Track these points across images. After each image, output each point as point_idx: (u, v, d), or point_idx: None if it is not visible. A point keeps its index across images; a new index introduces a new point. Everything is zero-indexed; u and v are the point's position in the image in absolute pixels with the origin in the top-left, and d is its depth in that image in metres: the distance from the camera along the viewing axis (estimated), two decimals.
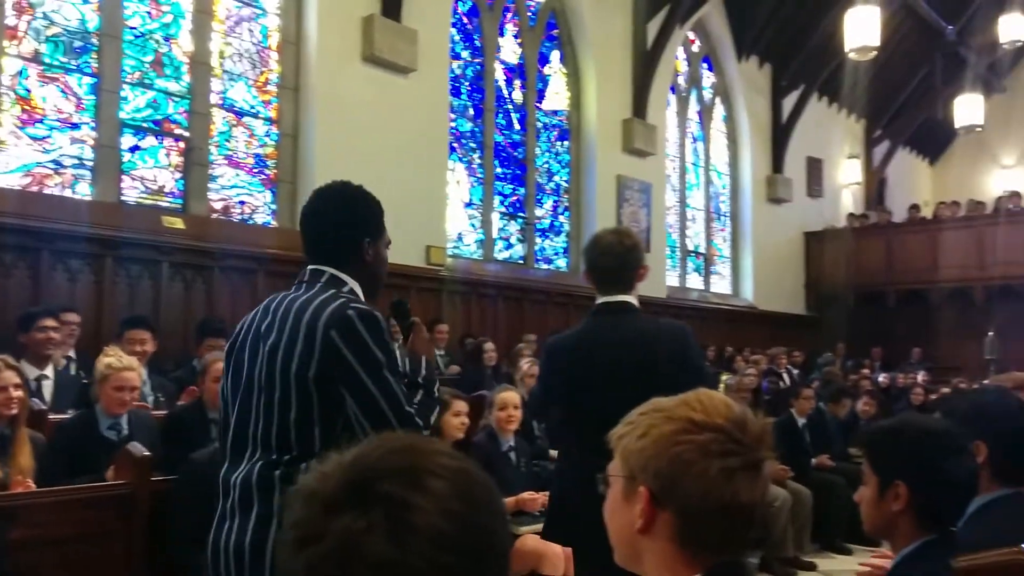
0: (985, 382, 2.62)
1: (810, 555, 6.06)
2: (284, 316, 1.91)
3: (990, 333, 11.83)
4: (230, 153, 7.04)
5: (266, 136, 7.29)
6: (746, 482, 1.06)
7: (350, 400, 1.83)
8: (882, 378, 10.66)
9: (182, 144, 6.70)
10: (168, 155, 6.63)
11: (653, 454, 1.09)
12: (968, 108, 12.77)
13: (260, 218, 7.21)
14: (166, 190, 6.61)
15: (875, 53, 9.82)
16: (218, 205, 6.93)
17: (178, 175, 6.68)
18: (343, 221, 2.01)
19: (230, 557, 1.85)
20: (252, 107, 7.22)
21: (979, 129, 13.17)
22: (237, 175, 7.08)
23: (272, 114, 7.33)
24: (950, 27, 13.65)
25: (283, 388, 1.84)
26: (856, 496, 1.85)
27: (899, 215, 14.37)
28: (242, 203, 7.10)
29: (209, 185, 6.86)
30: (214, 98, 6.93)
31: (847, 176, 15.09)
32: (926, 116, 14.90)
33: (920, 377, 10.72)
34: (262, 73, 7.30)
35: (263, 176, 7.25)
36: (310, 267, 2.03)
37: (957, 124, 13.02)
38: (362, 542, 0.64)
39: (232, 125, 7.08)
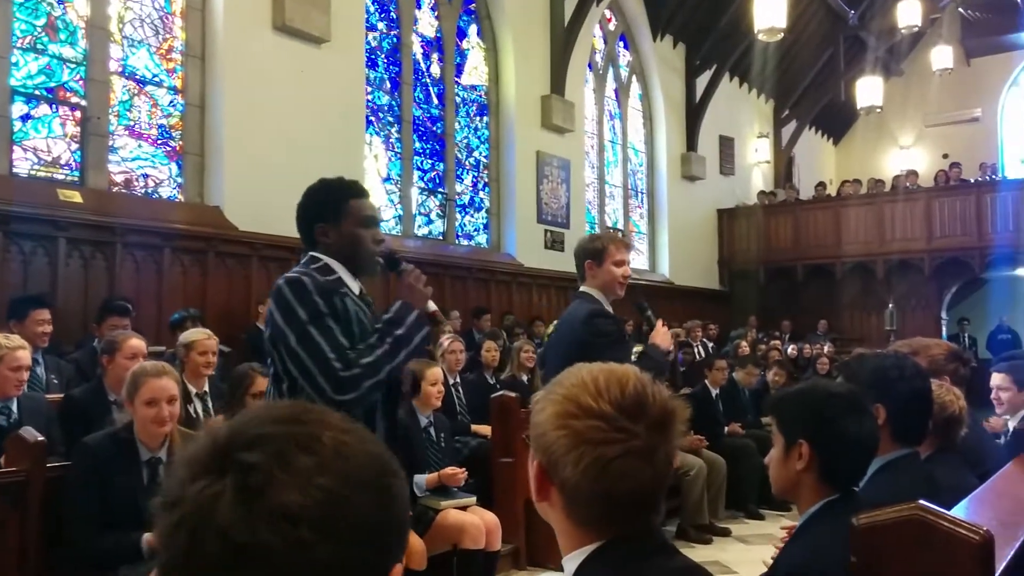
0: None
1: (724, 521, 6.25)
2: None
3: (890, 305, 12.42)
4: (131, 123, 6.72)
5: (171, 106, 6.98)
6: (625, 470, 1.06)
7: (286, 360, 2.15)
8: (791, 349, 11.06)
9: (78, 113, 6.35)
10: (64, 125, 6.28)
11: (542, 432, 1.11)
12: (868, 90, 13.29)
13: (165, 192, 6.92)
14: (62, 162, 6.26)
15: (782, 35, 10.09)
16: (119, 178, 6.61)
17: (75, 146, 6.34)
18: (301, 210, 2.41)
19: None
20: (155, 75, 6.89)
21: (879, 110, 13.73)
22: (140, 146, 6.76)
23: (177, 83, 7.02)
24: (852, 12, 14.12)
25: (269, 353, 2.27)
26: (766, 459, 1.90)
27: (806, 193, 14.87)
28: (145, 176, 6.80)
29: (109, 157, 6.53)
30: (113, 65, 6.59)
31: (757, 155, 15.51)
32: (830, 97, 15.40)
33: (826, 348, 11.15)
34: (165, 40, 6.97)
35: (168, 148, 6.95)
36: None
37: (859, 105, 13.55)
38: (213, 509, 0.61)
39: (133, 94, 6.75)
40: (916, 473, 2.10)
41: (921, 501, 1.47)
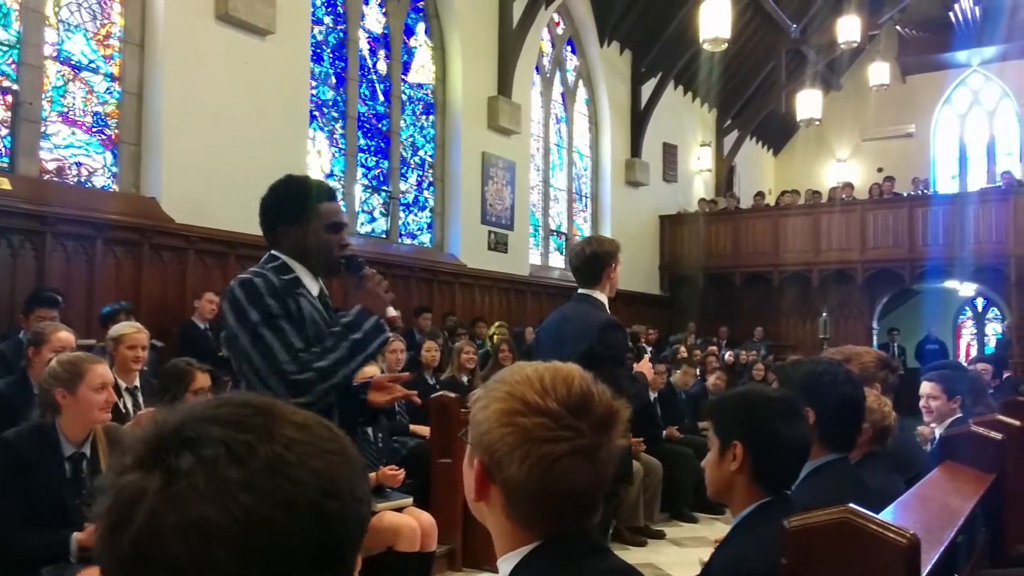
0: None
1: (659, 524, 6.32)
2: None
3: (824, 314, 12.75)
4: (65, 110, 6.50)
5: (107, 93, 6.77)
6: (570, 468, 1.06)
7: (241, 361, 2.18)
8: (727, 355, 11.27)
9: (9, 98, 6.11)
10: None
11: (486, 430, 1.09)
12: (808, 103, 13.62)
13: (99, 181, 6.70)
14: None
15: (726, 45, 10.26)
16: (51, 166, 6.39)
17: (5, 131, 6.10)
18: (265, 208, 2.35)
19: None
20: (91, 61, 6.68)
21: (817, 123, 14.10)
22: (73, 133, 6.54)
23: (114, 70, 6.81)
24: (795, 26, 14.46)
25: None
26: (703, 462, 1.93)
27: (746, 202, 15.17)
28: (79, 164, 6.58)
29: (41, 143, 6.30)
30: (48, 49, 6.36)
31: (700, 163, 15.75)
32: (772, 109, 15.74)
33: (761, 354, 11.40)
34: (103, 25, 6.75)
35: (103, 136, 6.74)
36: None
37: (798, 117, 13.87)
38: (131, 509, 0.59)
39: (68, 79, 6.53)
40: (847, 477, 2.15)
41: (851, 505, 1.50)
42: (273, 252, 2.32)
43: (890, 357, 3.12)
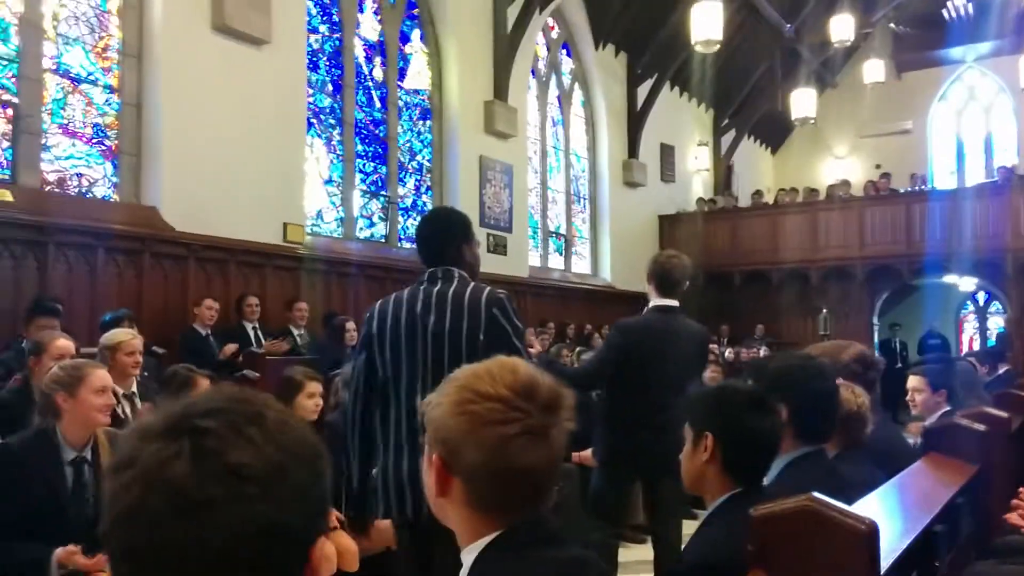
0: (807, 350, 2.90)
1: None
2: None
3: (823, 311, 12.79)
4: (65, 122, 6.59)
5: (106, 105, 6.86)
6: (524, 448, 1.12)
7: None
8: (728, 352, 11.32)
9: (10, 111, 6.20)
10: None
11: (442, 424, 1.16)
12: (803, 101, 13.65)
13: (100, 191, 6.79)
14: None
15: (718, 46, 10.30)
16: (52, 177, 6.48)
17: (6, 144, 6.19)
18: (444, 229, 2.83)
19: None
20: (90, 74, 6.77)
21: (812, 121, 14.11)
22: (73, 145, 6.63)
23: (113, 82, 6.90)
24: (789, 25, 14.51)
25: None
26: (680, 455, 2.00)
27: (744, 200, 15.21)
28: (79, 175, 6.67)
29: (42, 155, 6.39)
30: (47, 63, 6.45)
31: (697, 163, 15.79)
32: (768, 108, 15.78)
33: (762, 352, 11.45)
34: (101, 38, 6.84)
35: (103, 147, 6.83)
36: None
37: (793, 116, 13.90)
38: (166, 466, 0.68)
39: (68, 92, 6.62)
40: (821, 470, 2.21)
41: (814, 493, 1.57)
42: (450, 268, 2.68)
43: (871, 353, 3.18)
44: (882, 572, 1.51)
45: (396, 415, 2.57)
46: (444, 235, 2.77)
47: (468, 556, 1.18)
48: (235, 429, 0.71)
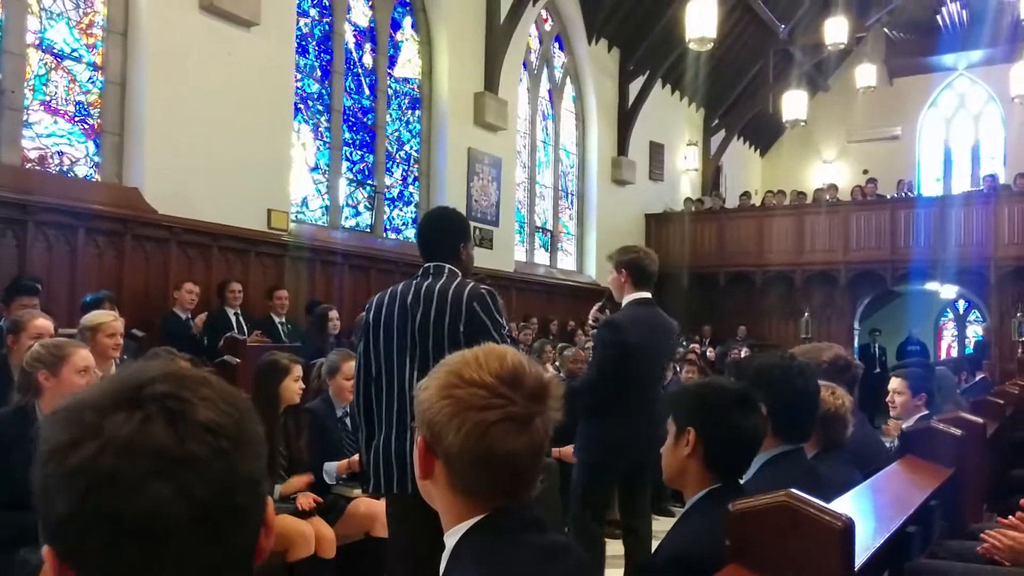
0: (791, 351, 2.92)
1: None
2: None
3: (806, 313, 12.85)
4: (48, 99, 6.49)
5: (90, 83, 6.77)
6: (505, 434, 1.13)
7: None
8: (710, 352, 11.35)
9: None
10: None
11: (428, 407, 1.17)
12: (794, 104, 13.68)
13: (81, 171, 6.70)
14: None
15: (712, 45, 10.29)
16: (33, 154, 6.38)
17: None
18: (445, 227, 3.01)
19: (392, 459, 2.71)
20: (74, 50, 6.67)
21: (803, 124, 14.15)
22: (55, 122, 6.54)
23: (97, 59, 6.80)
24: (783, 27, 14.54)
25: None
26: (661, 449, 1.98)
27: (731, 202, 15.24)
28: (61, 153, 6.57)
29: (23, 132, 6.30)
30: (30, 37, 6.35)
31: (686, 162, 15.81)
32: (759, 109, 15.81)
33: (744, 352, 11.47)
34: (86, 14, 6.75)
35: (85, 126, 6.73)
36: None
37: (784, 118, 13.93)
38: (143, 431, 0.68)
39: (50, 68, 6.52)
40: (800, 468, 2.20)
41: (791, 490, 1.56)
42: (442, 265, 2.84)
43: (850, 355, 3.18)
44: (856, 569, 1.51)
45: (388, 399, 2.78)
46: (443, 233, 2.95)
47: (451, 539, 1.18)
48: (193, 391, 0.73)
